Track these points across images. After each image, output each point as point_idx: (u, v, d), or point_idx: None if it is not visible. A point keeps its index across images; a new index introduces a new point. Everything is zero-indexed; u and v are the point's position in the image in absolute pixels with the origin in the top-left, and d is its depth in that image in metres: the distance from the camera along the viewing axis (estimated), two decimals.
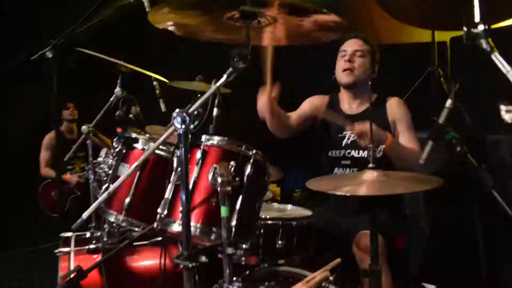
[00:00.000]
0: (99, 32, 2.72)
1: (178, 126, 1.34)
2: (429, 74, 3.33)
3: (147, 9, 2.59)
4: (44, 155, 4.64)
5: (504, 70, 1.03)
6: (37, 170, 4.50)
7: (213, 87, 1.44)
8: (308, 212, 2.11)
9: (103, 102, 2.50)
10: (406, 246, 2.28)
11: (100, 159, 2.25)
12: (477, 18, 1.12)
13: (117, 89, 2.52)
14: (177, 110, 1.35)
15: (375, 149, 1.63)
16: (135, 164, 1.57)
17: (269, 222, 1.92)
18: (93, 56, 2.52)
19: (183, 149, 1.37)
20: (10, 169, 4.36)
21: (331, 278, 1.63)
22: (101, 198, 1.50)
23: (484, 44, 1.08)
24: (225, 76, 1.40)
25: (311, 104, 2.53)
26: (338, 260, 1.77)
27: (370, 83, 2.11)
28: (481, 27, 1.09)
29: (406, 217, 2.45)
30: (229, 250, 1.43)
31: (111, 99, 2.51)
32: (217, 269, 1.55)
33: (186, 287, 1.37)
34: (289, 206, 2.25)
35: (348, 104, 2.48)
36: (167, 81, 2.61)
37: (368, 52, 2.41)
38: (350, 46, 2.42)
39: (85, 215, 1.44)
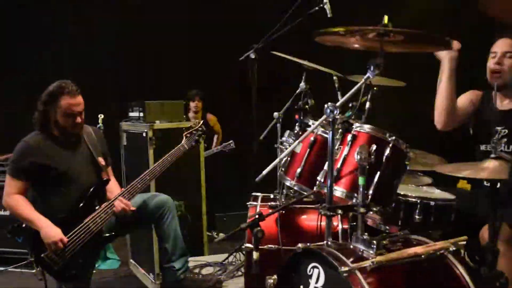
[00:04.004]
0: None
1: (328, 115, 1.85)
2: None
3: (329, 15, 3.18)
4: None
5: None
6: None
7: (356, 86, 1.90)
8: (451, 197, 2.37)
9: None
10: None
11: (283, 138, 2.93)
12: None
13: (302, 84, 3.15)
14: (329, 103, 1.87)
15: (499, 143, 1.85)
16: (298, 140, 2.14)
17: (410, 199, 2.28)
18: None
19: (331, 132, 1.88)
20: None
21: (451, 249, 1.92)
22: (274, 163, 2.10)
23: None
24: (363, 80, 1.85)
25: (468, 99, 2.64)
26: (464, 237, 2.04)
27: None
28: None
29: None
30: (362, 210, 1.90)
31: (297, 91, 3.16)
32: None
33: (327, 232, 1.90)
34: (437, 190, 2.53)
35: (500, 100, 2.54)
36: (343, 76, 3.09)
37: None
38: (500, 47, 2.46)
39: (265, 171, 2.05)
